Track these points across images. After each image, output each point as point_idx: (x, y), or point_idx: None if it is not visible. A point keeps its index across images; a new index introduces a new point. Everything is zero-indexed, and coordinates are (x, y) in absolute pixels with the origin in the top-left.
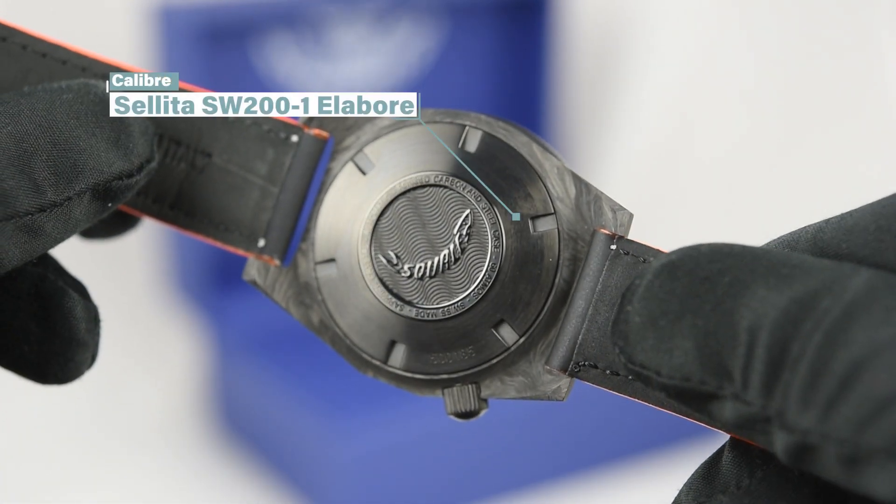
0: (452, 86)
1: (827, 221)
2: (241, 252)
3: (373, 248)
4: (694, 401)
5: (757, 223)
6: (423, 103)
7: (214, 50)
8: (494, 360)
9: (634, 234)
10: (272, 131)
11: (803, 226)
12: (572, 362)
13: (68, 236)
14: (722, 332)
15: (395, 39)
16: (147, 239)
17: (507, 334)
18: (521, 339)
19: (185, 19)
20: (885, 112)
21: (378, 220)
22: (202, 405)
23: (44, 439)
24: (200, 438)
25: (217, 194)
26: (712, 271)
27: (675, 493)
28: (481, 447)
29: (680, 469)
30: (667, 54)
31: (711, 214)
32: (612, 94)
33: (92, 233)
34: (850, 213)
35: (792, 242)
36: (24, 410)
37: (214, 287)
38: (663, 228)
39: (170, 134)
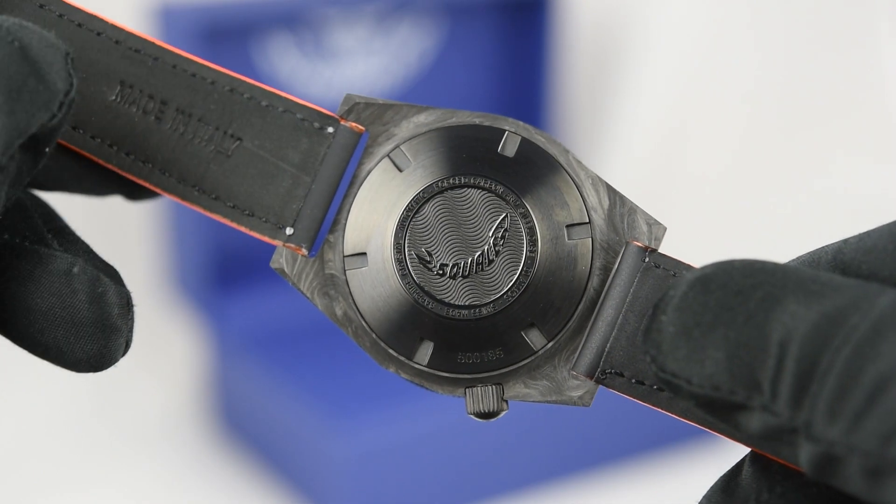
0: (452, 86)
1: (846, 241)
2: (266, 238)
3: (406, 245)
4: (722, 411)
5: (757, 222)
6: (423, 103)
7: (214, 50)
8: (521, 364)
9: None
10: (306, 120)
11: (823, 245)
12: (599, 369)
13: (17, 191)
14: (753, 345)
15: (395, 40)
16: (147, 238)
17: (536, 338)
18: (550, 344)
19: (185, 19)
20: (887, 115)
21: (413, 217)
22: (202, 405)
23: (44, 438)
24: (200, 438)
25: (246, 179)
26: (745, 286)
27: (676, 494)
28: (482, 447)
29: (680, 469)
30: (667, 54)
31: (712, 213)
32: (612, 94)
33: (107, 188)
34: (869, 233)
35: (813, 262)
36: (25, 409)
37: (214, 287)
38: (665, 222)
39: (199, 114)
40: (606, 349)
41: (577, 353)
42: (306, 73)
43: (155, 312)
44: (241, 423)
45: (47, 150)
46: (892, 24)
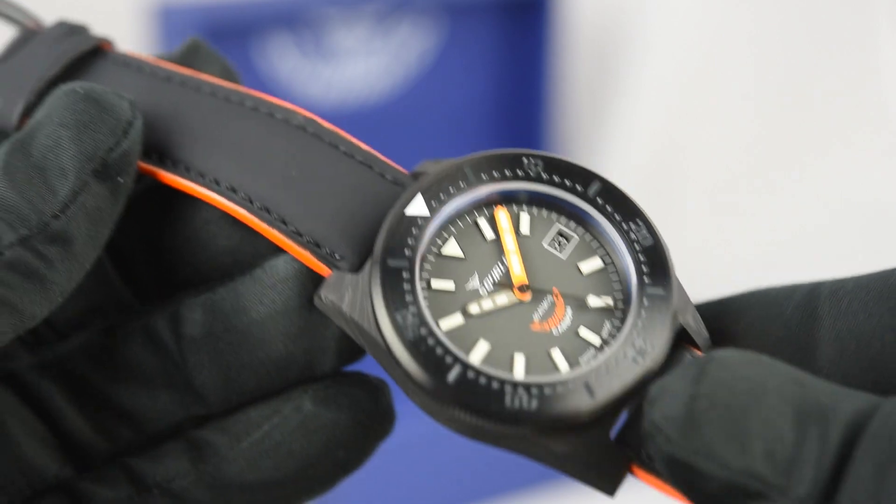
0: (452, 86)
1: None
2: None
3: None
4: (733, 499)
5: (757, 223)
6: (423, 103)
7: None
8: None
9: None
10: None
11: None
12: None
13: (103, 230)
14: (777, 434)
15: (395, 40)
16: None
17: None
18: None
19: (185, 19)
20: (891, 120)
21: None
22: None
23: None
24: None
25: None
26: (762, 381)
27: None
28: (482, 447)
29: None
30: (667, 55)
31: (711, 213)
32: (612, 95)
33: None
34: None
35: None
36: None
37: None
38: (662, 227)
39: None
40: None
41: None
42: (306, 72)
43: None
44: None
45: (121, 180)
46: (893, 25)
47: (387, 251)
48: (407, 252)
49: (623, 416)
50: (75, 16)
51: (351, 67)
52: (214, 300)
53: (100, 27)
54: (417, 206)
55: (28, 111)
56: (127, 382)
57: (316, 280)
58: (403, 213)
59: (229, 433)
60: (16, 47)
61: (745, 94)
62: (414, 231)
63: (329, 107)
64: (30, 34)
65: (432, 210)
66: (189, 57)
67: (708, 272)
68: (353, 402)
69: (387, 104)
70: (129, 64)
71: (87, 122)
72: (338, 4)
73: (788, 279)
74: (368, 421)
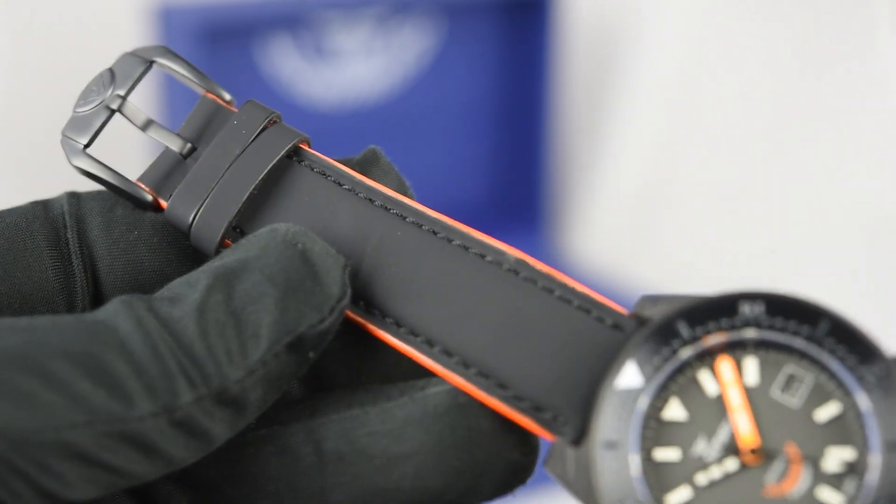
0: (452, 86)
1: None
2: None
3: None
4: None
5: (757, 220)
6: (423, 103)
7: (215, 50)
8: None
9: (635, 239)
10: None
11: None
12: None
13: (275, 396)
14: None
15: (395, 41)
16: None
17: None
18: None
19: (185, 20)
20: (889, 121)
21: None
22: None
23: None
24: None
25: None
26: None
27: None
28: None
29: None
30: (667, 54)
31: (712, 211)
32: (612, 94)
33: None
34: None
35: None
36: None
37: None
38: (662, 227)
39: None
40: None
41: None
42: (307, 73)
43: None
44: None
45: (311, 355)
46: (893, 26)
47: (601, 432)
48: (622, 429)
49: None
50: (75, 16)
51: (351, 68)
52: (368, 419)
53: (100, 27)
54: (629, 377)
55: (227, 233)
56: (252, 492)
57: (484, 410)
58: (615, 388)
59: None
60: (199, 127)
61: (744, 94)
62: (629, 404)
63: (329, 107)
64: (213, 108)
65: (647, 377)
66: (366, 165)
67: (708, 272)
68: None
69: (387, 104)
70: (327, 172)
71: (296, 287)
72: (338, 6)
73: (788, 279)
74: None
